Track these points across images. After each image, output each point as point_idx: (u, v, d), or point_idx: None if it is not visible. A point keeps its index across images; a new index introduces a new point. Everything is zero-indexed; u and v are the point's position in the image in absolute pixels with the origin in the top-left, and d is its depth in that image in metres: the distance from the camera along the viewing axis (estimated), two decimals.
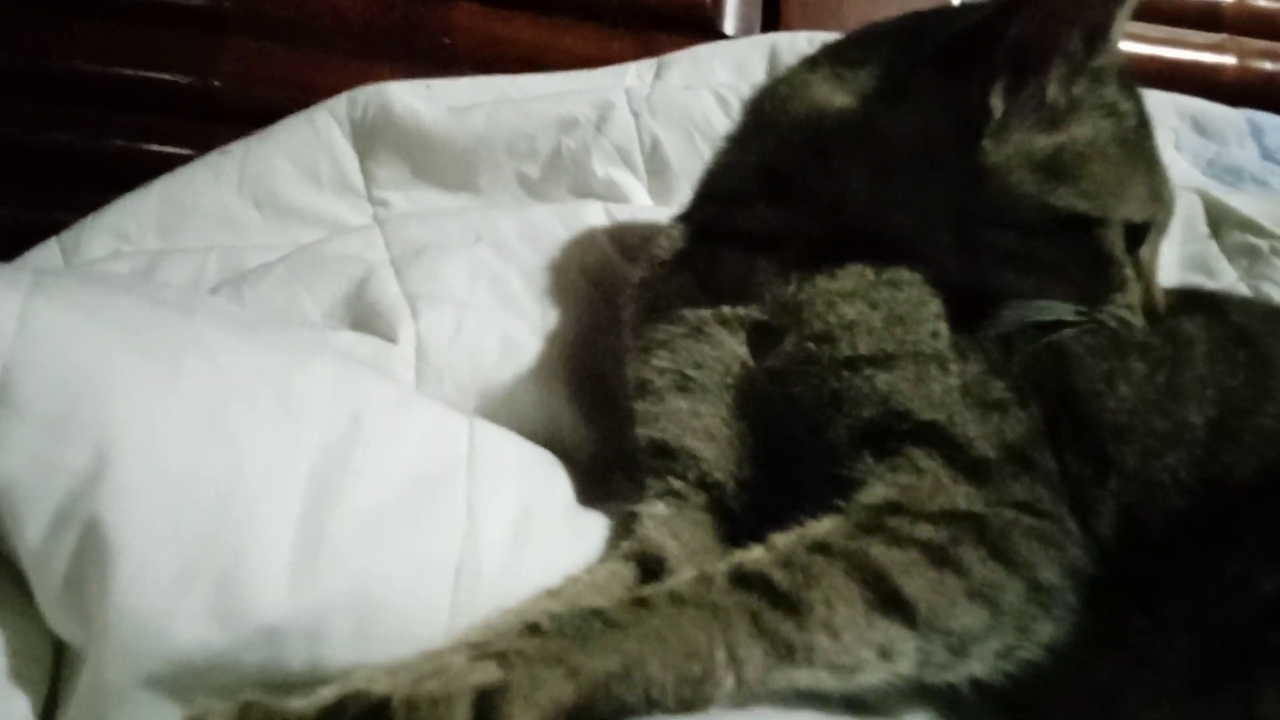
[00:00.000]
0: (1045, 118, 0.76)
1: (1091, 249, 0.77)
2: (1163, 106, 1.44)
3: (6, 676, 0.61)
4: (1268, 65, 1.67)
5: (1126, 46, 1.58)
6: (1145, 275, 0.81)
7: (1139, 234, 0.80)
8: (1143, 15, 1.64)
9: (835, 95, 0.83)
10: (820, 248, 0.81)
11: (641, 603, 0.60)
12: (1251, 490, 0.68)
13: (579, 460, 0.90)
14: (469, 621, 0.68)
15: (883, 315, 0.76)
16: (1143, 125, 0.80)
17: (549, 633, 0.58)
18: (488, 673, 0.55)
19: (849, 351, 0.75)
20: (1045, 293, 0.78)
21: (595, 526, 0.80)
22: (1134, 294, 0.79)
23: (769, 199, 0.85)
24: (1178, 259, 1.17)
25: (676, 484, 0.79)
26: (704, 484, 0.79)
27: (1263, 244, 1.17)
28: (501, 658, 0.56)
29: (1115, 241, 0.77)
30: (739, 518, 0.78)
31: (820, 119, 0.83)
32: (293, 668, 0.64)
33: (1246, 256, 1.17)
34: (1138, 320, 0.79)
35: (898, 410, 0.72)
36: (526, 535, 0.75)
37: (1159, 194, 0.81)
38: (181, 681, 0.62)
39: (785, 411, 0.77)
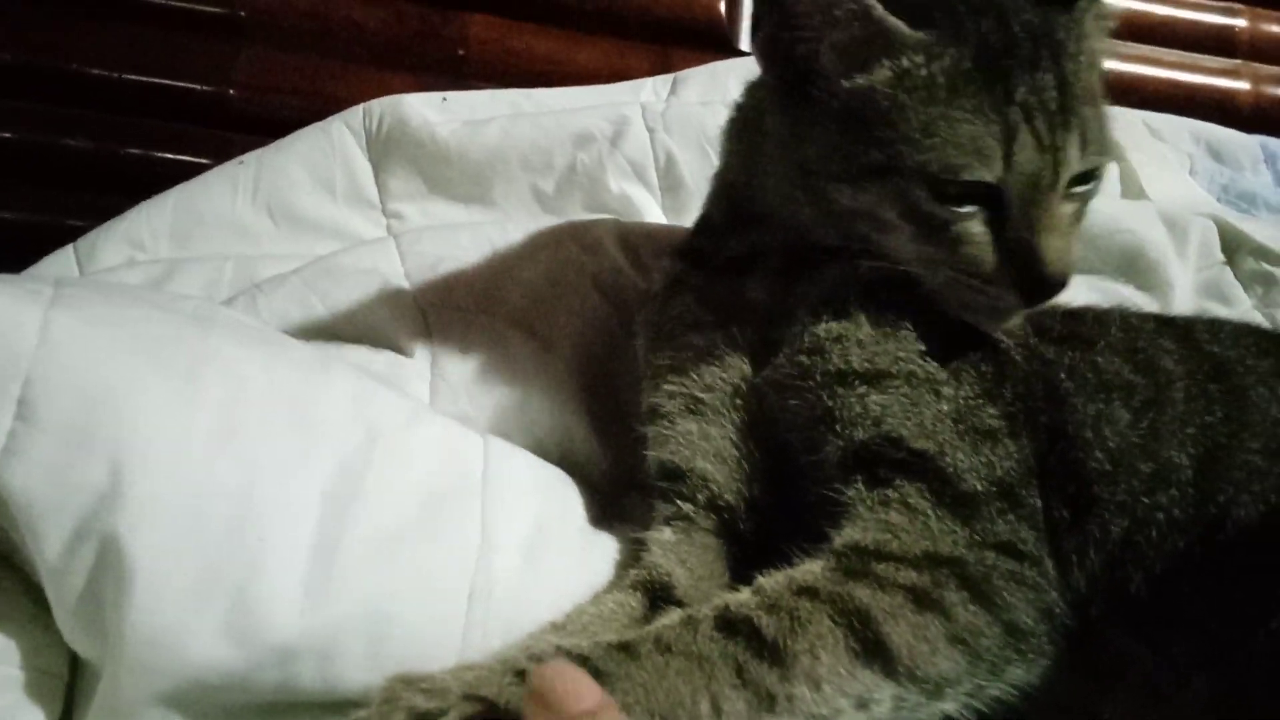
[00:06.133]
0: (841, 68, 0.74)
1: (902, 202, 0.73)
2: (1178, 131, 1.45)
3: (23, 691, 0.62)
4: None
5: (1141, 71, 1.60)
6: (1025, 245, 0.72)
7: (987, 196, 0.72)
8: (1157, 39, 1.66)
9: (762, 109, 0.84)
10: (793, 259, 0.82)
11: (627, 649, 0.60)
12: (1260, 530, 0.67)
13: (593, 477, 0.89)
14: (482, 641, 0.68)
15: (868, 328, 0.76)
16: (979, 72, 0.71)
17: None
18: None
19: (840, 365, 0.75)
20: (896, 251, 0.75)
21: (608, 547, 0.80)
22: (981, 261, 0.73)
23: (735, 224, 0.87)
24: (1193, 285, 1.16)
25: (686, 507, 0.79)
26: (713, 506, 0.79)
27: (1278, 271, 1.17)
28: (489, 705, 0.56)
29: (919, 195, 0.72)
30: (748, 538, 0.78)
31: (752, 132, 0.85)
32: (306, 687, 0.64)
33: (1261, 284, 1.17)
34: (979, 283, 0.73)
35: (890, 436, 0.72)
36: (540, 555, 0.75)
37: (991, 151, 0.71)
38: (195, 699, 0.62)
39: (785, 427, 0.77)
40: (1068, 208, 0.74)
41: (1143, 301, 1.11)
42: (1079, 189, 0.75)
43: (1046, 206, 0.72)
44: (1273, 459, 0.70)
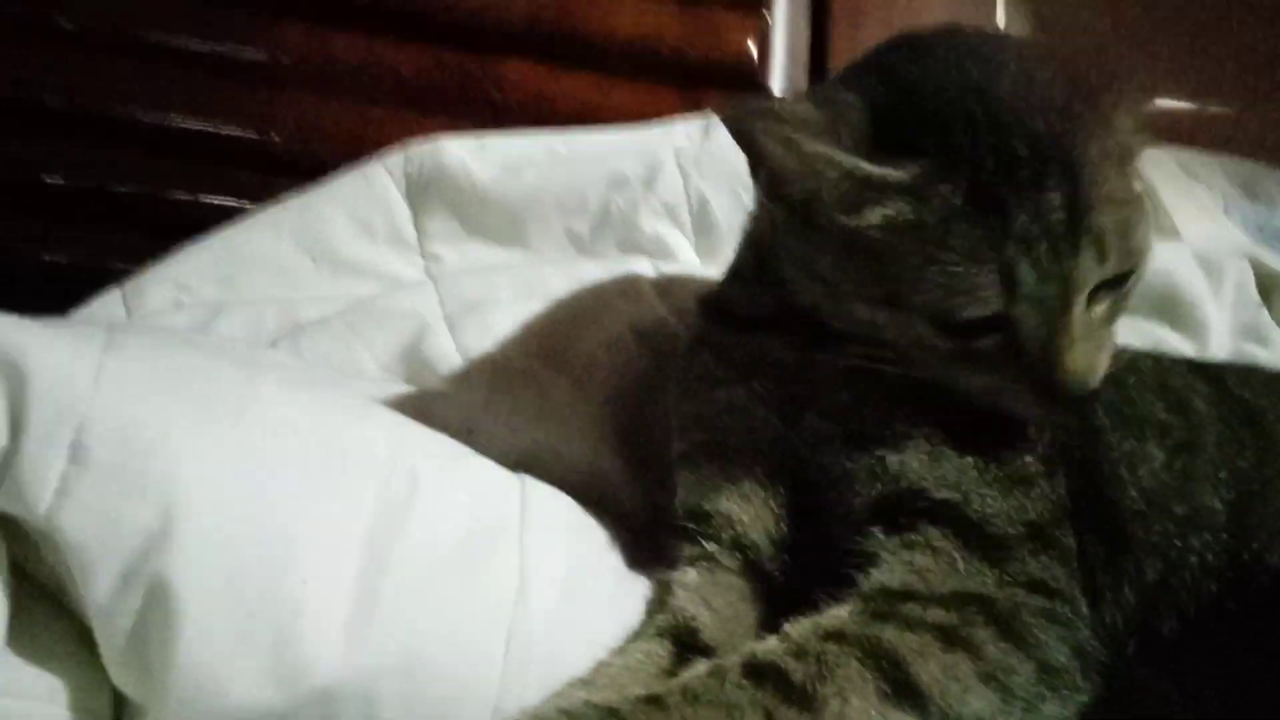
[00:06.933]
0: (839, 209, 0.72)
1: (912, 332, 0.73)
2: (1211, 170, 1.44)
3: None
4: None
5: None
6: (1043, 362, 0.70)
7: (1000, 320, 0.70)
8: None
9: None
10: (816, 326, 0.80)
11: (656, 702, 0.61)
12: None
13: (628, 521, 0.90)
14: (520, 684, 0.68)
15: (889, 391, 0.75)
16: (972, 207, 0.68)
17: None
18: None
19: (856, 428, 0.75)
20: (918, 363, 0.74)
21: (641, 591, 0.80)
22: (1000, 377, 0.72)
23: (762, 281, 0.85)
24: (1229, 327, 1.16)
25: (710, 547, 0.79)
26: (738, 545, 0.79)
27: None
28: None
29: (925, 329, 0.71)
30: (774, 578, 0.78)
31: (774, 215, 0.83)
32: None
33: None
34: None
35: (910, 489, 0.72)
36: (576, 598, 0.75)
37: (987, 292, 0.69)
38: None
39: (812, 485, 0.78)
40: (1098, 311, 0.72)
41: (1178, 342, 1.11)
42: (1108, 293, 0.72)
43: (1062, 325, 0.69)
44: None
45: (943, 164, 0.69)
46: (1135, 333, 1.08)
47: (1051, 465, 0.73)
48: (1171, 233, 1.29)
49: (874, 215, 0.70)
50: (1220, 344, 1.12)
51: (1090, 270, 0.69)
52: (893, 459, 0.73)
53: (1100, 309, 0.72)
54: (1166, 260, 1.16)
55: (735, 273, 0.92)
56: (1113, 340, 0.74)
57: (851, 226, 0.71)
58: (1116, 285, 0.72)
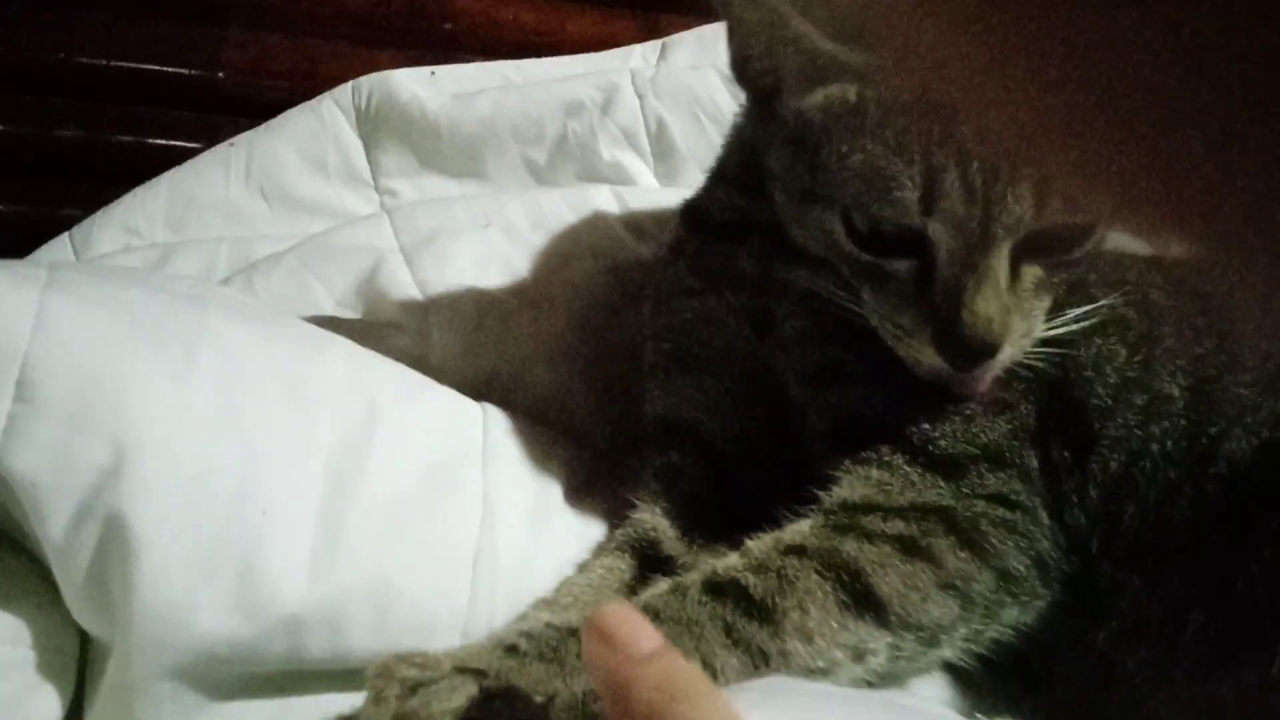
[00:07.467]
0: (793, 91, 0.70)
1: (826, 238, 0.70)
2: None
3: (35, 670, 0.62)
4: None
5: None
6: (946, 304, 0.65)
7: (917, 243, 0.65)
8: None
9: None
10: (779, 239, 0.78)
11: None
12: (1252, 464, 0.68)
13: (594, 441, 0.90)
14: (487, 609, 0.69)
15: (840, 322, 0.74)
16: (919, 103, 0.63)
17: (527, 654, 0.59)
18: (469, 692, 0.56)
19: (819, 356, 0.75)
20: (831, 284, 0.72)
21: (606, 510, 0.80)
22: (901, 313, 0.67)
23: (739, 186, 0.84)
24: None
25: (675, 457, 0.79)
26: (704, 454, 0.79)
27: None
28: (481, 677, 0.57)
29: (837, 231, 0.68)
30: (740, 485, 0.79)
31: None
32: (315, 657, 0.65)
33: None
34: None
35: (859, 415, 0.73)
36: (542, 522, 0.76)
37: (905, 193, 0.63)
38: (205, 672, 0.63)
39: (782, 387, 0.78)
40: (1025, 274, 0.66)
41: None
42: (1045, 260, 0.66)
43: (975, 264, 0.63)
44: (1263, 393, 0.70)
45: None
46: None
47: (1013, 390, 0.73)
48: None
49: (818, 95, 0.68)
50: None
51: (1022, 207, 0.62)
52: (850, 389, 0.73)
53: (1032, 274, 0.66)
54: None
55: (718, 172, 0.90)
56: (1038, 319, 0.68)
57: (795, 108, 0.70)
58: (1056, 254, 0.66)
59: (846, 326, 0.72)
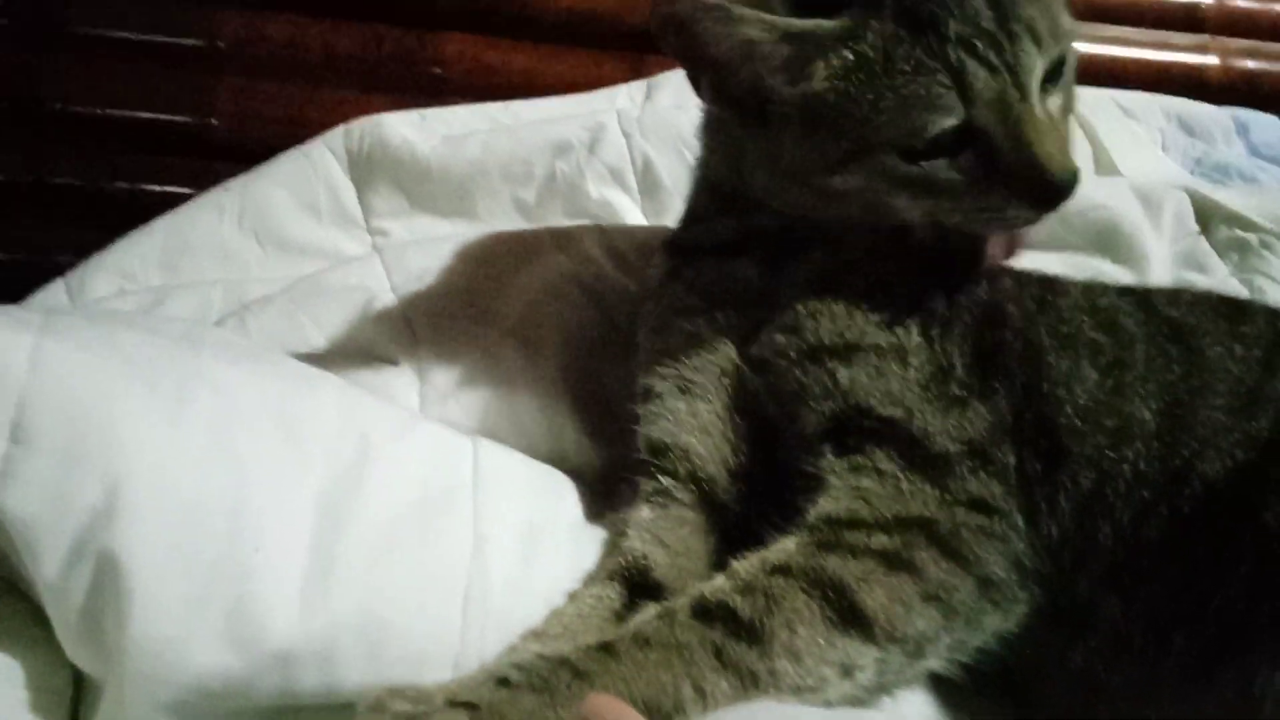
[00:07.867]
0: (786, 82, 0.75)
1: (886, 175, 0.75)
2: (1149, 108, 1.46)
3: (29, 710, 0.63)
4: (1250, 64, 1.68)
5: (1111, 52, 1.62)
6: (1023, 163, 0.72)
7: (966, 135, 0.72)
8: (1126, 19, 1.68)
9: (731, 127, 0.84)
10: (781, 239, 0.83)
11: (607, 649, 0.61)
12: (1226, 485, 0.69)
13: (586, 476, 0.91)
14: (479, 641, 0.69)
15: (842, 302, 0.78)
16: (904, 29, 0.71)
17: (518, 686, 0.60)
18: None
19: (812, 340, 0.77)
20: (905, 213, 0.77)
21: (599, 540, 0.81)
22: (983, 195, 0.73)
23: (725, 210, 0.88)
24: (1169, 257, 1.17)
25: (666, 481, 0.80)
26: (694, 479, 0.80)
27: (1252, 238, 1.18)
28: (473, 710, 0.58)
29: (895, 164, 0.74)
30: (730, 511, 0.80)
31: (729, 138, 0.85)
32: (307, 690, 0.65)
33: (1237, 251, 1.18)
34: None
35: (858, 405, 0.74)
36: (534, 553, 0.76)
37: (945, 98, 0.71)
38: (198, 707, 0.63)
39: (766, 404, 0.79)
40: (1052, 105, 0.75)
41: (1120, 274, 1.12)
42: (1052, 86, 0.75)
43: (1028, 118, 0.72)
44: (1236, 416, 0.71)
45: (866, 6, 0.72)
46: (1076, 268, 1.09)
47: (987, 384, 0.75)
48: (1110, 169, 1.31)
49: (819, 74, 0.73)
50: (1161, 273, 1.14)
51: (1031, 56, 0.72)
52: (843, 373, 0.74)
53: (1053, 101, 0.75)
54: (1106, 195, 1.18)
55: (691, 216, 0.94)
56: (1071, 135, 0.77)
57: (800, 94, 0.74)
58: (1056, 78, 0.75)
59: (855, 294, 0.77)
